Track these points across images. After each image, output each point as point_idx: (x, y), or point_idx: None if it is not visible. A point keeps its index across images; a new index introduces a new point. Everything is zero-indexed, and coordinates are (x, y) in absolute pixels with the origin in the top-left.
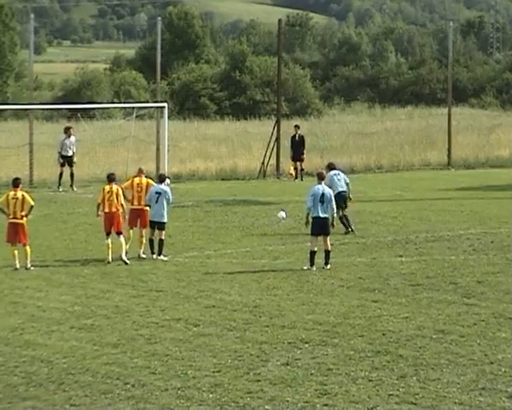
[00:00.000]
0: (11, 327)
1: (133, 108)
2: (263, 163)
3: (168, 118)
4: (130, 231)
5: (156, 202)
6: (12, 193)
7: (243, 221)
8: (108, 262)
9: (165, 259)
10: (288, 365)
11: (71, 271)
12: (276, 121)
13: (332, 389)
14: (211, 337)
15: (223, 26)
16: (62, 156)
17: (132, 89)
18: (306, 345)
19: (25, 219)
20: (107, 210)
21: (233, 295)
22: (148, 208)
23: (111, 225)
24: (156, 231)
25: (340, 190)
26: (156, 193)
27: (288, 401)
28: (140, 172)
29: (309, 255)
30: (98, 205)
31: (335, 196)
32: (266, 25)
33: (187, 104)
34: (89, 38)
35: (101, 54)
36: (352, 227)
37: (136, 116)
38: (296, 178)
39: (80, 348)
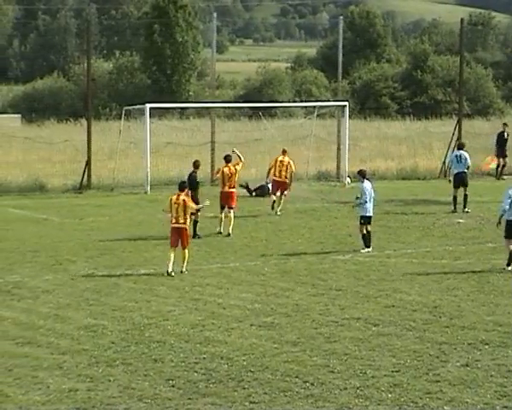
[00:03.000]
0: (192, 324)
1: (314, 106)
2: (444, 163)
3: (349, 117)
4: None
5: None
6: (175, 197)
7: (423, 221)
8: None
9: (365, 251)
10: (467, 366)
11: (251, 269)
12: (458, 121)
13: None
14: (390, 337)
15: (404, 25)
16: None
17: (313, 88)
18: (486, 346)
19: (188, 223)
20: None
21: (413, 295)
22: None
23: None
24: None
25: (460, 170)
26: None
27: (467, 402)
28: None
29: (508, 256)
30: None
31: (455, 176)
32: (448, 24)
33: (368, 103)
34: (270, 36)
35: (283, 53)
36: (467, 209)
37: (317, 115)
38: (496, 174)
39: (260, 346)
